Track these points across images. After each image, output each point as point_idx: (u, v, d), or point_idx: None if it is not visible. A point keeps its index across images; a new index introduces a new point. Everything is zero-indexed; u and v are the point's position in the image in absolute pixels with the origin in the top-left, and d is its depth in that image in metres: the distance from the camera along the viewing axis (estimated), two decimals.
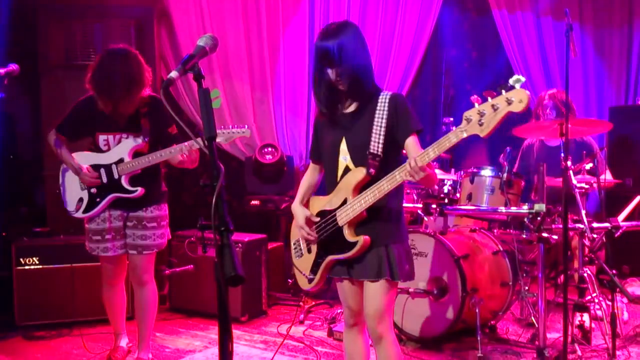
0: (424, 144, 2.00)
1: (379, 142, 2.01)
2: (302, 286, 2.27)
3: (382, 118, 2.03)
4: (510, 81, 1.70)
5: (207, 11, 4.71)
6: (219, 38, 1.66)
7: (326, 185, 2.19)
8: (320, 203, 2.17)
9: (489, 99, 1.74)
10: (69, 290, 3.59)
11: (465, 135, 1.78)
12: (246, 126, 2.81)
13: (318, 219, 2.15)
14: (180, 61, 1.55)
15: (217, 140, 2.74)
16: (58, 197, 2.93)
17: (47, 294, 3.57)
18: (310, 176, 2.31)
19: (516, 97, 1.69)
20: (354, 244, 2.02)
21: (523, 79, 1.71)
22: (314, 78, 2.09)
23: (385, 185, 1.96)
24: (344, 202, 2.05)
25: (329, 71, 2.02)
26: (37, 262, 3.59)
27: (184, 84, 4.69)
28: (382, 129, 2.02)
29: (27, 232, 3.72)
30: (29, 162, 4.29)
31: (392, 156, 2.06)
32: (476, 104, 1.77)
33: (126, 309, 3.09)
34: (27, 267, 3.57)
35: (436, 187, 3.63)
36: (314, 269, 2.17)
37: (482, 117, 1.74)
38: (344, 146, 2.09)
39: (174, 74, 1.52)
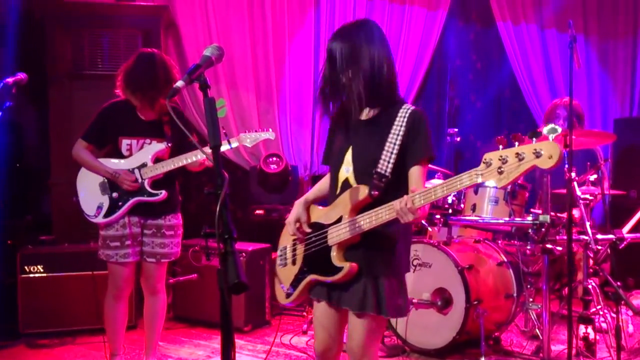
0: None
1: (389, 162, 1.79)
2: (279, 299, 2.08)
3: (398, 135, 1.81)
4: (545, 130, 1.50)
5: (213, 21, 4.75)
6: (225, 48, 1.68)
7: (329, 196, 2.01)
8: (317, 214, 1.97)
9: (516, 144, 1.50)
10: (73, 299, 3.58)
11: (480, 180, 1.55)
12: (270, 129, 2.93)
13: (310, 230, 1.96)
14: (186, 71, 1.57)
15: (244, 144, 2.91)
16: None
17: (51, 302, 3.57)
18: (325, 180, 2.08)
19: (546, 151, 1.45)
20: (339, 269, 1.82)
21: (559, 129, 1.50)
22: (324, 80, 1.88)
23: (383, 215, 1.74)
24: (339, 219, 1.85)
25: (341, 74, 1.83)
26: (41, 270, 3.59)
27: (190, 94, 4.72)
28: (396, 147, 1.80)
29: (33, 241, 3.72)
30: (36, 171, 4.32)
31: (404, 179, 1.82)
32: (500, 147, 1.54)
33: (128, 320, 3.01)
34: (31, 275, 3.57)
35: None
36: (294, 284, 1.99)
37: (503, 164, 1.51)
38: (348, 156, 1.89)
39: (180, 83, 1.55)
